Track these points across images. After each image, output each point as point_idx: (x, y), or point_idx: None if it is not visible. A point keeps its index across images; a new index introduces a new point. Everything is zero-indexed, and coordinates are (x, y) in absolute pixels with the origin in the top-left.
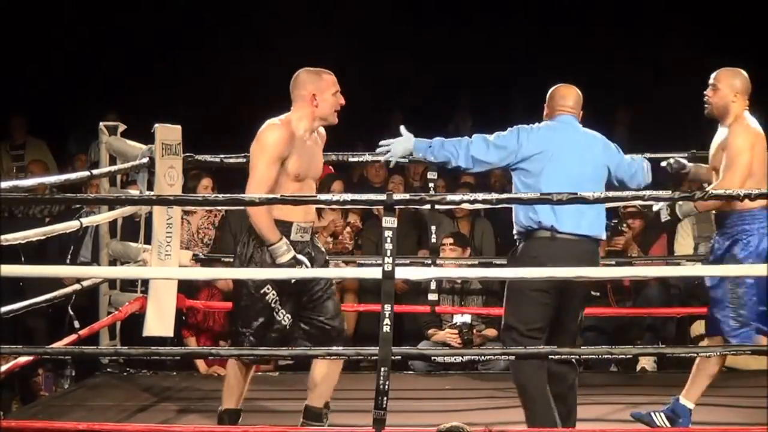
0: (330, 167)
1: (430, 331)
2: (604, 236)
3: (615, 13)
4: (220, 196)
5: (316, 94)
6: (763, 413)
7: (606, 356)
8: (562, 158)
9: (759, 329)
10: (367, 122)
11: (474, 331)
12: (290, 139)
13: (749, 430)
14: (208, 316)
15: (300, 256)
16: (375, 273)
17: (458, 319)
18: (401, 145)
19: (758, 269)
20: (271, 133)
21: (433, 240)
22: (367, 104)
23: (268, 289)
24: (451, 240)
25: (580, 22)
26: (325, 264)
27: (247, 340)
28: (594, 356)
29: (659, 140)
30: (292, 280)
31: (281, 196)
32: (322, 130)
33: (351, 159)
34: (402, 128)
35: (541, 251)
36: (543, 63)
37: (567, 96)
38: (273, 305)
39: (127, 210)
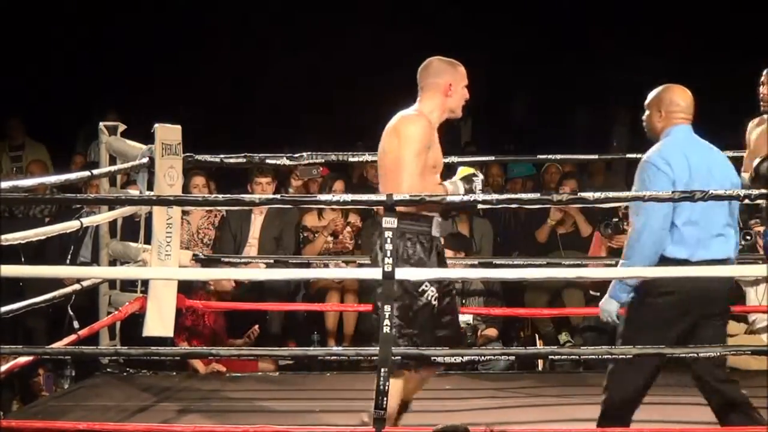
0: (326, 167)
1: None
2: (735, 254)
3: (615, 11)
4: (220, 196)
5: (452, 84)
6: (765, 413)
7: (606, 356)
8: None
9: None
10: (368, 122)
11: (477, 332)
12: (431, 130)
13: (751, 430)
14: (199, 318)
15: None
16: (375, 273)
17: (460, 319)
18: (610, 305)
19: (759, 269)
20: (413, 125)
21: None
22: (368, 105)
23: (426, 285)
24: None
25: (580, 21)
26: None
27: (411, 340)
28: (594, 356)
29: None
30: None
31: (281, 196)
32: None
33: (351, 159)
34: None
35: (673, 283)
36: (543, 62)
37: (681, 99)
38: (434, 302)
39: (127, 210)
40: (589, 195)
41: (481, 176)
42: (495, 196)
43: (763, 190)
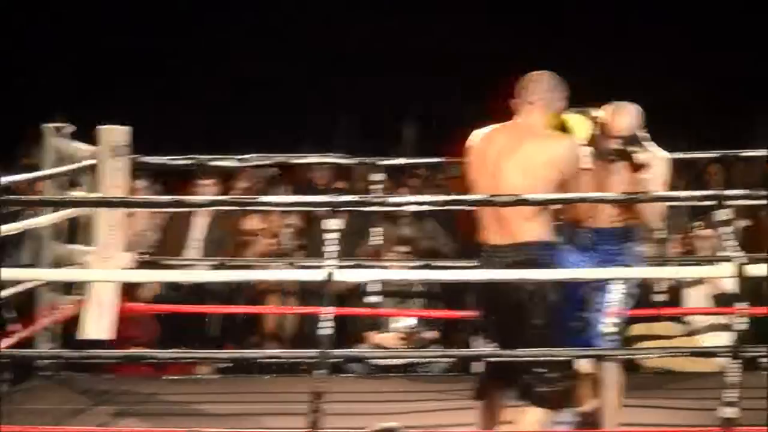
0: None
1: (371, 334)
2: None
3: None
4: (164, 198)
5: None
6: (704, 414)
7: (547, 357)
8: None
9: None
10: (313, 123)
11: (419, 335)
12: None
13: (751, 430)
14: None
15: None
16: (316, 276)
17: (403, 323)
18: None
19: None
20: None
21: (375, 242)
22: (315, 106)
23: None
24: (407, 248)
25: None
26: None
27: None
28: (534, 358)
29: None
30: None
31: (225, 198)
32: None
33: (295, 160)
34: None
35: None
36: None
37: None
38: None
39: (71, 212)
40: (530, 196)
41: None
42: (443, 198)
43: (707, 192)
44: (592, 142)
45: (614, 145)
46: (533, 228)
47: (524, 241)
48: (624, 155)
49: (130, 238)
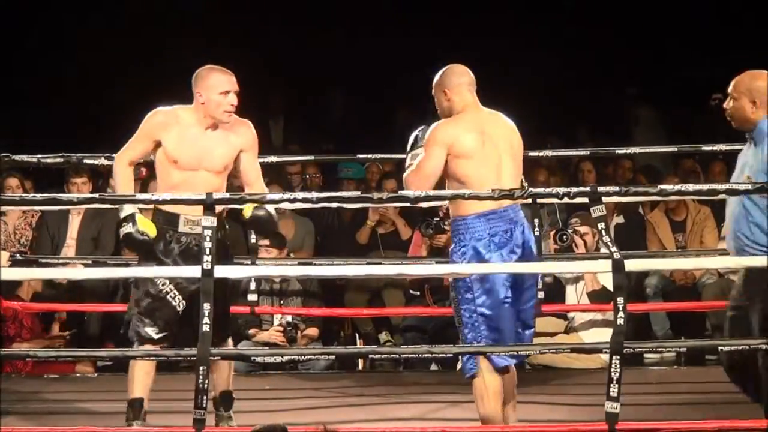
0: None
1: (251, 331)
2: None
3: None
4: (38, 195)
5: (201, 92)
6: (588, 410)
7: (426, 355)
8: None
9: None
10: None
11: (299, 330)
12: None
13: (750, 424)
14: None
15: None
16: (194, 272)
17: (282, 320)
18: None
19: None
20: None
21: (252, 240)
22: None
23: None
24: (266, 242)
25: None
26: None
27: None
28: (414, 355)
29: None
30: None
31: (99, 195)
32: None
33: None
34: None
35: None
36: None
37: None
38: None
39: None
40: (409, 193)
41: None
42: (315, 195)
43: (582, 188)
44: None
45: None
46: None
47: None
48: None
49: (4, 237)
